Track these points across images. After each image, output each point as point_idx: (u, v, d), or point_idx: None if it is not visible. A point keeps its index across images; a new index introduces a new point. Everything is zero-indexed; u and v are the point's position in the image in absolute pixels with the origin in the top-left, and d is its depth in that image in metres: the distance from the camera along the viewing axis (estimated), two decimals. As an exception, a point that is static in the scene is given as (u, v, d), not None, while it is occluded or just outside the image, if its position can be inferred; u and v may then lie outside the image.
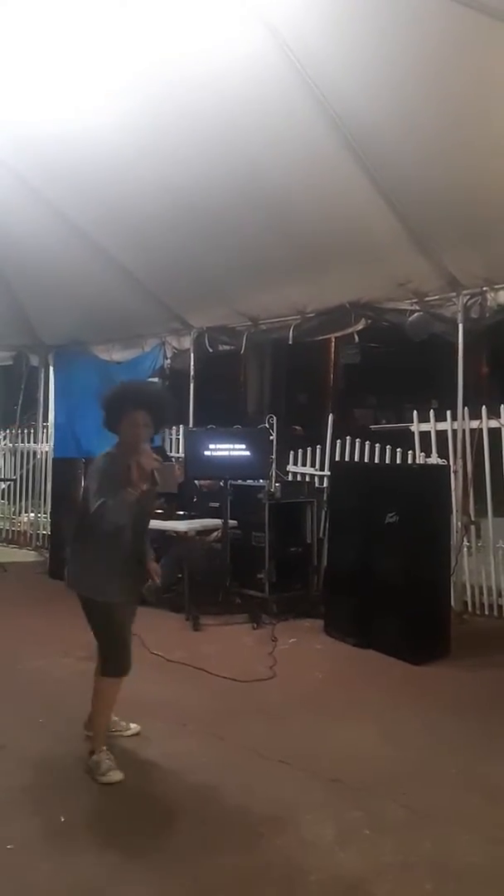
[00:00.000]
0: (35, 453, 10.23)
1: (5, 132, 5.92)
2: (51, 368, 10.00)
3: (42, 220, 7.00)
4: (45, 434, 10.11)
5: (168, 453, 8.26)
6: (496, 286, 6.12)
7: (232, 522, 6.89)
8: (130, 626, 3.74)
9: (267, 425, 7.66)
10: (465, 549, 6.48)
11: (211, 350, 8.26)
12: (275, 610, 6.53)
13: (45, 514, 9.78)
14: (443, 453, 6.72)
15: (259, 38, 4.55)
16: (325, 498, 7.04)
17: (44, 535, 9.76)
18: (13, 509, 10.60)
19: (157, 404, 3.72)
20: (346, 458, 7.33)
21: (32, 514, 10.20)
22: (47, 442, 10.01)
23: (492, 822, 3.19)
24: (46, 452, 9.99)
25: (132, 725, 4.00)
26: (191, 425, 8.22)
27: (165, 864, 2.83)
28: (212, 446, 6.96)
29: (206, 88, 4.99)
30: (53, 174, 6.35)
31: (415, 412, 7.04)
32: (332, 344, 12.36)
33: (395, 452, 7.07)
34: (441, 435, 6.76)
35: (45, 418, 10.14)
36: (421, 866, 2.85)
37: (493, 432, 6.42)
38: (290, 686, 4.85)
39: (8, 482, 10.44)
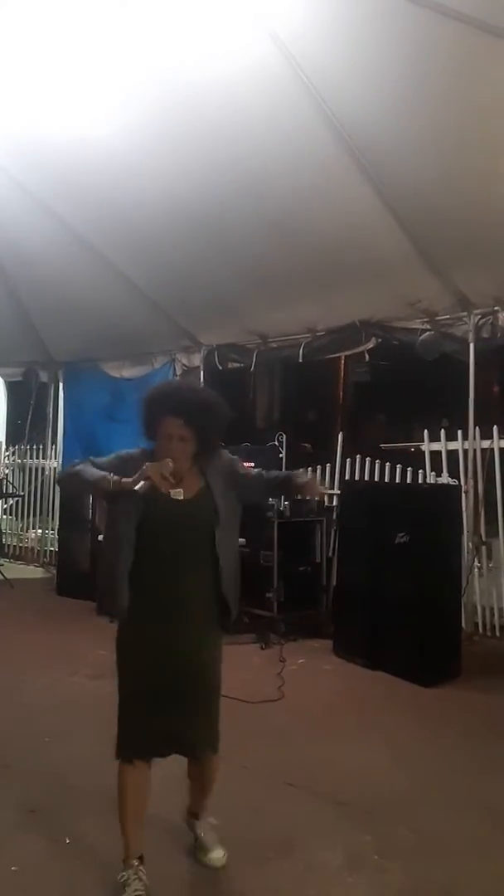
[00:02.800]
0: (43, 469, 10.23)
1: (14, 145, 5.98)
2: (60, 385, 10.04)
3: (52, 236, 7.05)
4: (53, 450, 10.12)
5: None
6: (508, 306, 6.12)
7: (240, 541, 6.84)
8: (159, 692, 2.75)
9: (276, 443, 7.64)
10: (476, 570, 6.43)
11: (221, 367, 8.26)
12: (283, 630, 6.47)
13: (52, 530, 9.76)
14: (454, 473, 6.68)
15: (264, 49, 4.58)
16: (334, 517, 7.00)
17: (51, 551, 9.72)
18: (21, 525, 10.58)
19: (198, 411, 2.80)
20: (356, 477, 7.30)
21: (40, 531, 10.18)
22: (56, 458, 10.02)
23: (502, 847, 3.13)
24: (55, 468, 9.98)
25: (213, 855, 2.94)
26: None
27: (172, 888, 2.79)
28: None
29: (212, 99, 5.02)
30: (62, 189, 6.41)
31: (425, 431, 7.02)
32: (342, 362, 12.35)
33: (406, 472, 7.03)
34: (452, 454, 6.73)
35: (54, 434, 10.15)
36: (430, 893, 2.80)
37: (504, 452, 6.39)
38: (298, 707, 4.80)
39: (16, 498, 10.44)
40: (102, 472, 2.76)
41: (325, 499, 7.47)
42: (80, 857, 2.98)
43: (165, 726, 2.76)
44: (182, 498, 2.79)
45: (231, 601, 2.87)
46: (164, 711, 2.75)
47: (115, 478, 2.71)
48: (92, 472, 2.78)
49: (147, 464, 2.70)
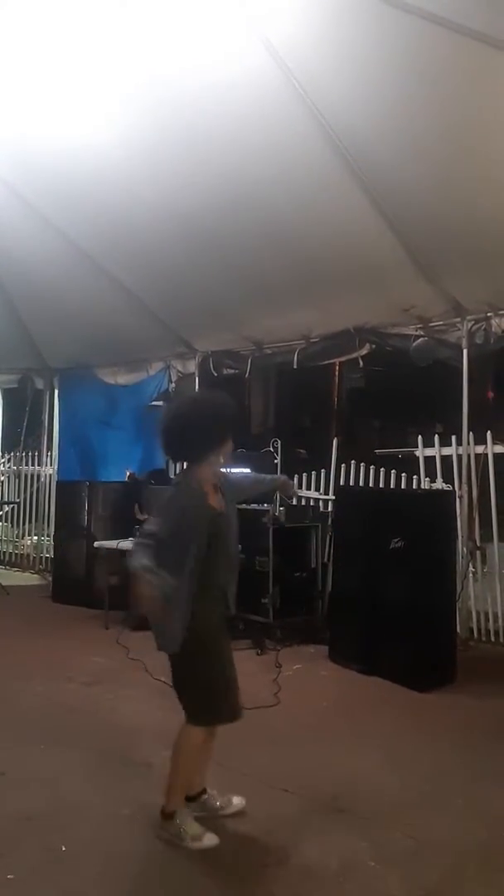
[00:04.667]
0: (39, 476, 10.23)
1: (9, 152, 5.98)
2: (56, 391, 10.04)
3: (46, 243, 7.06)
4: (49, 457, 10.12)
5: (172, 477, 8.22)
6: (500, 312, 6.15)
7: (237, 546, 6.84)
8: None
9: (271, 449, 7.65)
10: (471, 575, 6.44)
11: (216, 374, 8.27)
12: (279, 636, 6.47)
13: (48, 537, 9.76)
14: (448, 478, 6.70)
15: (258, 57, 4.60)
16: (329, 523, 7.00)
17: (47, 558, 9.73)
18: (17, 532, 10.57)
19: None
20: (351, 483, 7.31)
21: (36, 537, 10.17)
22: (51, 465, 10.01)
23: (498, 852, 3.14)
24: (50, 475, 9.98)
25: (235, 800, 3.41)
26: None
27: (171, 894, 2.78)
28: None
29: (207, 106, 5.04)
30: (56, 195, 6.41)
31: (420, 437, 7.04)
32: (337, 368, 12.39)
33: (400, 477, 7.05)
34: (446, 460, 6.75)
35: (50, 441, 10.15)
36: (427, 899, 2.80)
37: (499, 457, 6.41)
38: (294, 713, 4.80)
39: (11, 505, 10.43)
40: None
41: (321, 504, 7.49)
42: (77, 866, 2.97)
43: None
44: (222, 510, 3.23)
45: None
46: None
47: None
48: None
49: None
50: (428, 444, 6.95)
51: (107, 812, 3.38)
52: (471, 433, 6.49)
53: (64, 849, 3.07)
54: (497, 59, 4.09)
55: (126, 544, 6.93)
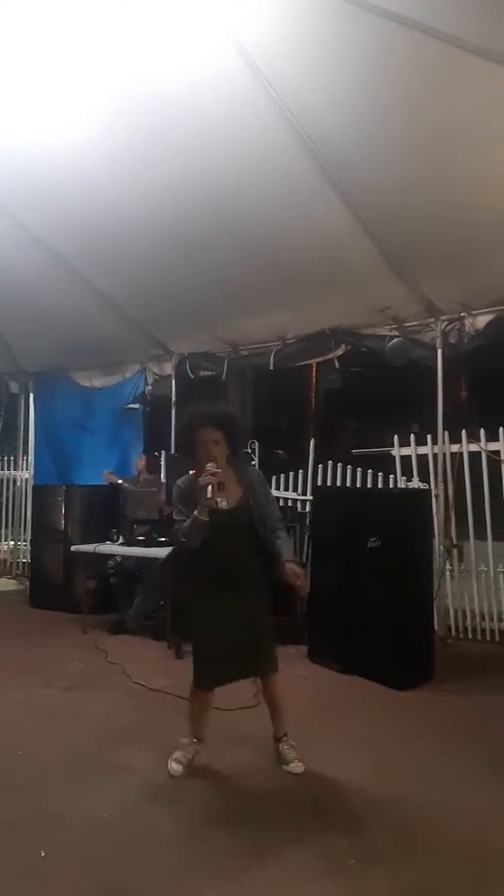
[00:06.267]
0: (15, 480, 10.16)
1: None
2: (31, 395, 9.98)
3: (21, 246, 7.01)
4: (24, 461, 10.05)
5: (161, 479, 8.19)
6: (474, 312, 6.21)
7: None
8: (225, 639, 3.90)
9: (249, 450, 7.66)
10: (448, 573, 6.49)
11: (192, 376, 8.28)
12: (258, 636, 6.45)
13: (25, 541, 9.69)
14: (424, 477, 6.74)
15: (231, 61, 4.60)
16: (307, 523, 7.02)
17: (24, 563, 9.67)
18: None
19: (226, 421, 3.77)
20: (328, 483, 7.33)
21: (12, 542, 10.10)
22: (27, 469, 9.95)
23: (478, 849, 3.15)
24: (26, 479, 9.92)
25: (293, 766, 3.87)
26: (173, 451, 8.20)
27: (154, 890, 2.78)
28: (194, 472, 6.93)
29: (179, 110, 5.03)
30: (29, 198, 6.36)
31: (396, 436, 7.07)
32: (313, 369, 12.43)
33: (377, 476, 7.08)
34: (422, 459, 6.79)
35: (26, 445, 10.09)
36: (409, 896, 2.81)
37: (474, 456, 6.46)
38: (274, 713, 4.79)
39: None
40: (186, 518, 3.63)
41: (299, 504, 7.51)
42: (56, 871, 2.95)
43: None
44: (226, 507, 3.61)
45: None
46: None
47: (194, 514, 3.58)
48: (184, 524, 3.64)
49: (200, 477, 3.53)
50: (404, 443, 6.98)
51: (86, 816, 3.36)
52: (446, 432, 6.53)
53: (43, 854, 3.05)
54: (468, 62, 4.12)
55: (103, 548, 6.92)
